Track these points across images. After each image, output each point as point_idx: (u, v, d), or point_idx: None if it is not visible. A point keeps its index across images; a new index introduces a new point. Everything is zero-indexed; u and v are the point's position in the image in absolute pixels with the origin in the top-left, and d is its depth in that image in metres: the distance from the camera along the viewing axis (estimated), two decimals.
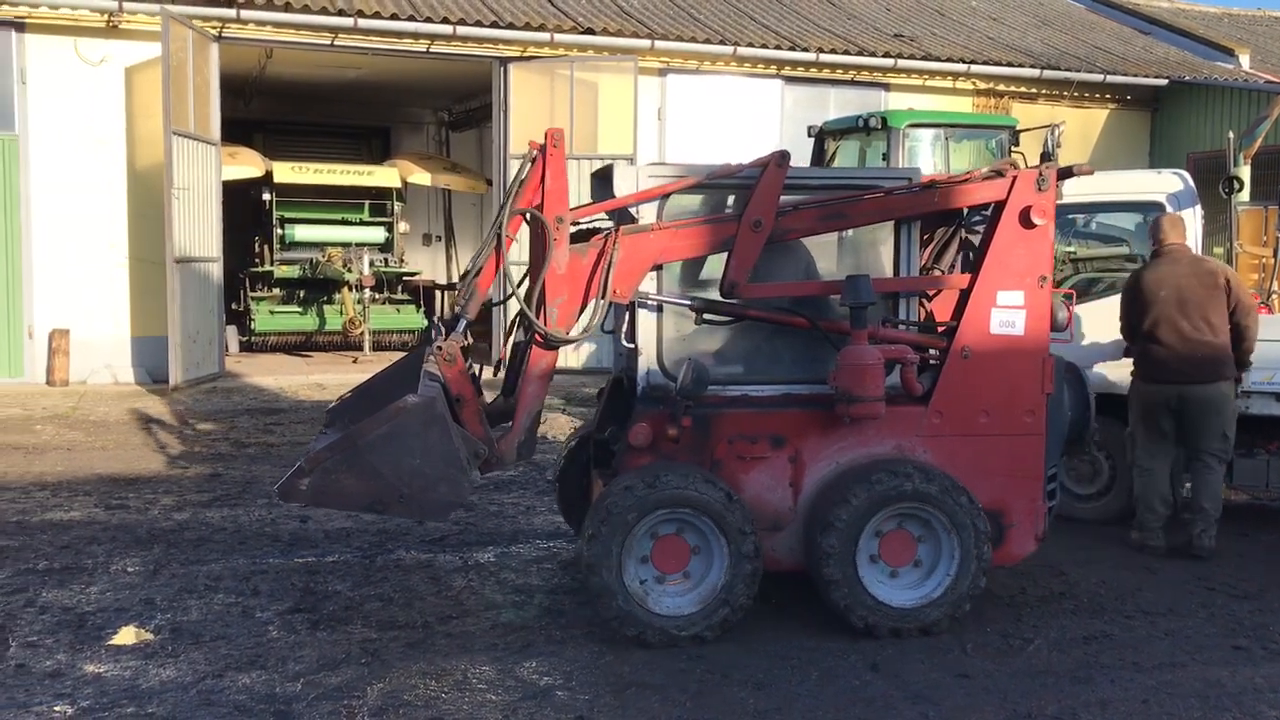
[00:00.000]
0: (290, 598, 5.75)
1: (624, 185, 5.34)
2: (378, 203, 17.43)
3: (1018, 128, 12.87)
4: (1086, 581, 6.27)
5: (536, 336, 5.24)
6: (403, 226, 17.61)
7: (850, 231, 5.62)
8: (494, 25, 14.06)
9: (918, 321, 5.62)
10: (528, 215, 5.27)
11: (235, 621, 5.40)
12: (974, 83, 16.56)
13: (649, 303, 5.34)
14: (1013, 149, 12.61)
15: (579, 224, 5.60)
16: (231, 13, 13.07)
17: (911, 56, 15.96)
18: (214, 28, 13.38)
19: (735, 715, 4.48)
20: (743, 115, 15.64)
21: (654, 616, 5.06)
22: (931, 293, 5.76)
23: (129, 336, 13.42)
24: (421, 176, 17.55)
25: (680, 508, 5.04)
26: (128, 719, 4.30)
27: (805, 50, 15.34)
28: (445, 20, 13.89)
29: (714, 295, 5.39)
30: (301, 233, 16.91)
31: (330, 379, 13.49)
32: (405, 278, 17.50)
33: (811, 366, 5.43)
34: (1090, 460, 7.56)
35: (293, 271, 16.49)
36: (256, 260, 16.99)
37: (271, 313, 16.30)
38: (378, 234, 17.39)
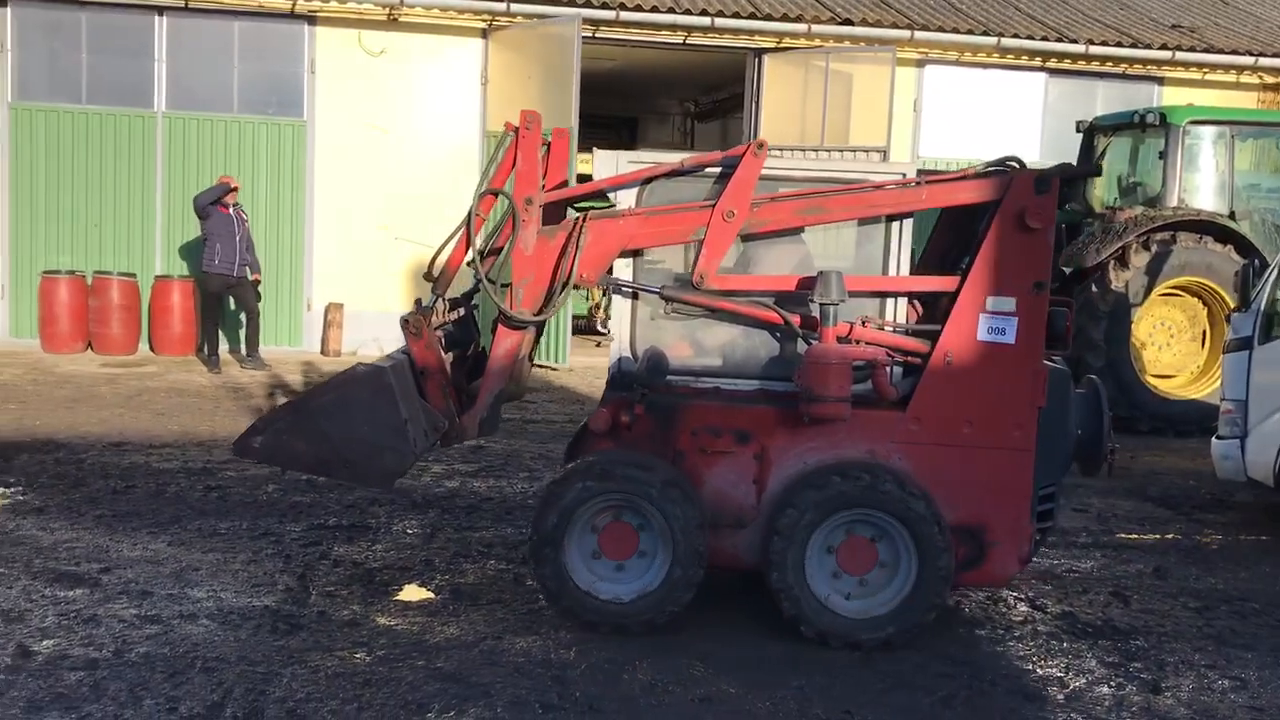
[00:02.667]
0: None
1: (604, 172, 5.27)
2: None
3: None
4: None
5: (501, 316, 5.25)
6: None
7: (844, 226, 5.33)
8: (751, 17, 14.11)
9: (905, 324, 5.28)
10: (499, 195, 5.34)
11: (508, 588, 5.67)
12: (1260, 76, 15.44)
13: (624, 290, 5.26)
14: None
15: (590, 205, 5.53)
16: (501, 5, 13.62)
17: (1191, 49, 15.01)
18: (484, 20, 13.98)
19: None
20: (1002, 108, 15.15)
21: (596, 600, 5.01)
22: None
23: (397, 312, 14.19)
24: None
25: (625, 494, 4.96)
26: (419, 671, 4.59)
27: (1074, 41, 14.68)
28: (704, 12, 14.03)
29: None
30: None
31: (577, 361, 13.90)
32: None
33: (788, 363, 5.18)
34: None
35: None
36: None
37: None
38: None
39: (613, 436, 5.16)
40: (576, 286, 5.22)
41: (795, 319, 5.13)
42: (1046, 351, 5.25)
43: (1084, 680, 4.85)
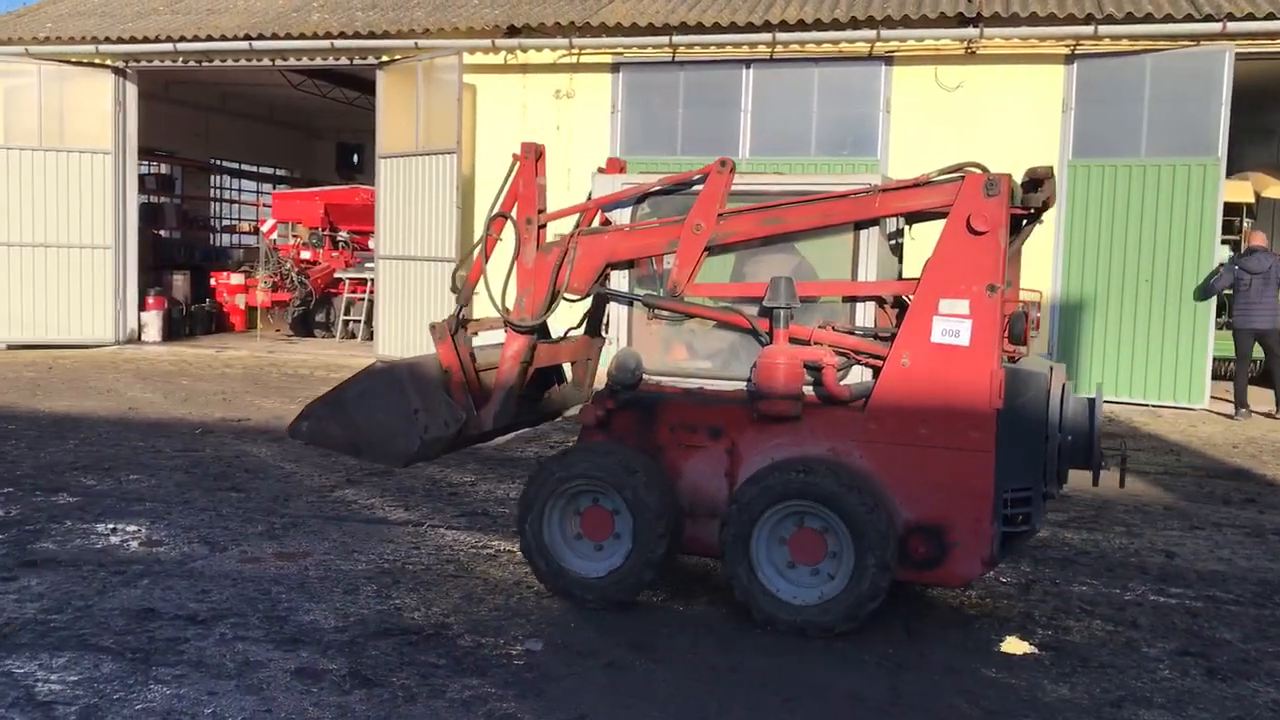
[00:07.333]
0: (1175, 638, 5.44)
1: (600, 192, 5.73)
2: (1226, 219, 16.10)
3: None
4: None
5: (507, 323, 5.76)
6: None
7: (836, 238, 5.42)
8: None
9: (872, 328, 5.39)
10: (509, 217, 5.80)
11: (1120, 651, 5.24)
12: None
13: (620, 299, 5.70)
14: None
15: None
16: (1089, 29, 12.93)
17: None
18: (1068, 46, 13.37)
19: None
20: None
21: (574, 579, 5.52)
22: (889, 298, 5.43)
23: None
24: (1277, 190, 15.84)
25: (589, 479, 5.46)
26: None
27: None
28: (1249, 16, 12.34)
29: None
30: None
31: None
32: None
33: None
34: None
35: None
36: None
37: None
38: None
39: (604, 430, 5.66)
40: (567, 296, 5.74)
41: (763, 324, 5.38)
42: (1043, 357, 5.39)
43: None
